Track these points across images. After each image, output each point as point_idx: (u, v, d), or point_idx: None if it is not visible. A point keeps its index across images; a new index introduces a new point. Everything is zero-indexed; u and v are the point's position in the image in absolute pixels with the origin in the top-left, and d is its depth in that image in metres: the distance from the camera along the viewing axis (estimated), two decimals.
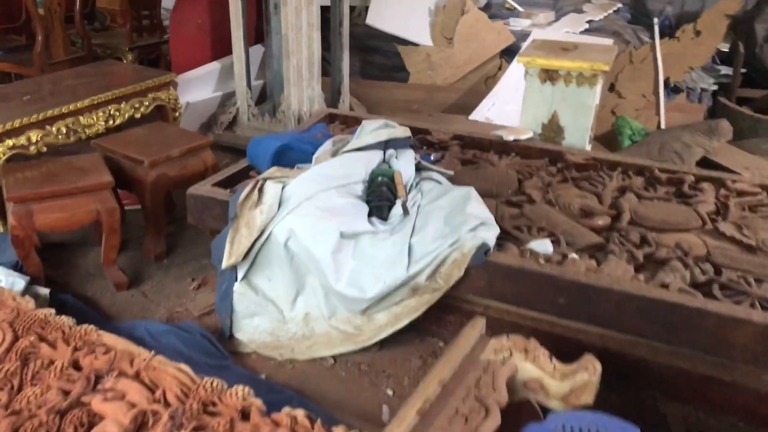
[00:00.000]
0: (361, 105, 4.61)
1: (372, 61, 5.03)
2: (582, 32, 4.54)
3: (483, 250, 2.09)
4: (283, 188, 2.27)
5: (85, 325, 2.00)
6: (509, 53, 4.58)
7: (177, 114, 3.60)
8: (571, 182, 2.69)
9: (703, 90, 4.55)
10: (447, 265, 2.11)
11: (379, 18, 4.88)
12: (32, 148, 2.81)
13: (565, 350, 1.75)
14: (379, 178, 2.38)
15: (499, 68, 4.63)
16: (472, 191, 2.31)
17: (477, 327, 1.68)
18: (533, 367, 1.65)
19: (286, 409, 1.58)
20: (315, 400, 2.10)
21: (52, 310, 2.08)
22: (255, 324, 2.35)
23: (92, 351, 1.90)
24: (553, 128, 3.08)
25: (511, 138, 2.99)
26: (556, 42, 3.28)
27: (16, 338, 1.95)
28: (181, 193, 2.69)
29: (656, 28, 4.57)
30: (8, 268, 2.47)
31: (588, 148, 3.10)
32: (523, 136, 3.01)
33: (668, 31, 4.65)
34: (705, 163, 3.47)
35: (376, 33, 4.89)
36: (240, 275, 2.28)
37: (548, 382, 1.65)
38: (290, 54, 3.85)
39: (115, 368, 1.83)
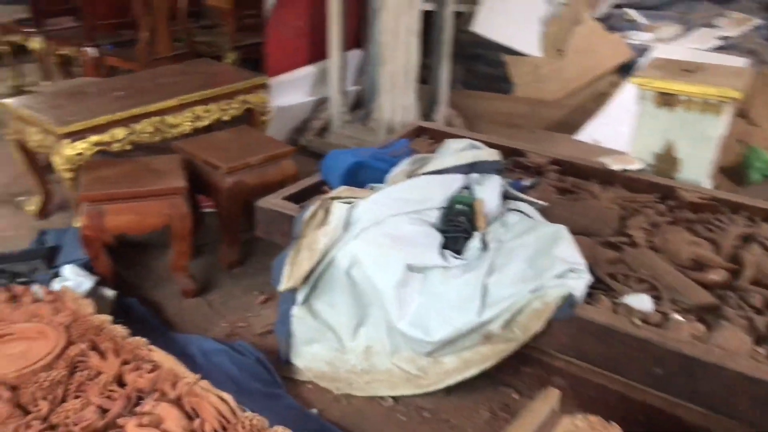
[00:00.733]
0: (459, 116, 4.37)
1: (475, 70, 4.77)
2: (712, 49, 4.07)
3: (569, 301, 1.82)
4: (350, 210, 2.10)
5: (137, 338, 1.94)
6: (626, 69, 4.20)
7: (265, 118, 3.52)
8: (684, 225, 2.33)
9: None
10: (526, 314, 1.85)
11: (486, 25, 4.63)
12: (116, 146, 2.81)
13: (660, 427, 1.46)
14: (458, 206, 2.15)
15: (614, 85, 4.24)
16: (563, 230, 2.03)
17: (549, 401, 1.43)
18: None
19: None
20: None
21: (109, 318, 2.03)
22: (313, 351, 2.20)
23: (139, 367, 1.82)
24: (667, 160, 2.71)
25: (617, 167, 2.66)
26: (679, 62, 2.89)
27: (68, 344, 1.91)
28: None
29: None
30: (79, 266, 2.45)
31: (707, 185, 2.70)
32: (632, 167, 2.67)
33: None
34: None
35: (482, 41, 4.64)
36: (300, 299, 2.13)
37: None
38: (386, 60, 3.69)
39: (158, 389, 1.74)
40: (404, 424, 2.06)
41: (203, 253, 2.91)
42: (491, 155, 2.36)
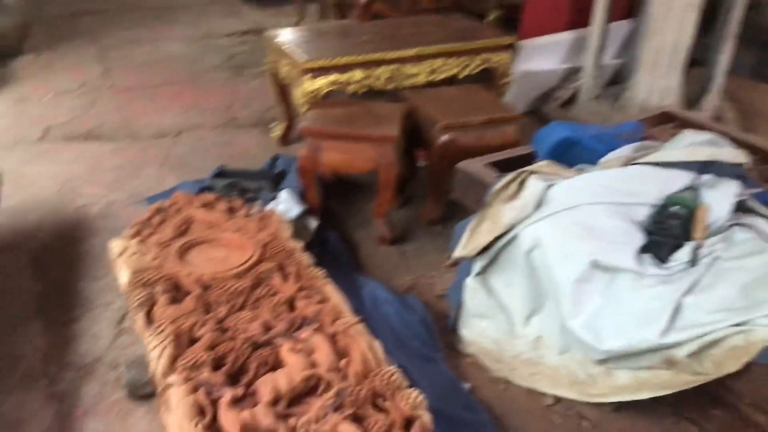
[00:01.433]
0: (733, 110, 3.75)
1: None
2: None
3: None
4: (547, 188, 1.92)
5: (317, 270, 2.03)
6: None
7: (506, 80, 3.39)
8: None
9: None
10: (722, 349, 1.54)
11: None
12: (352, 87, 2.93)
13: None
14: (673, 208, 1.84)
15: None
16: None
17: None
18: None
19: None
20: None
21: (300, 245, 2.16)
22: (482, 326, 2.11)
23: (309, 296, 1.91)
24: None
25: None
26: None
27: (260, 260, 2.07)
28: None
29: None
30: (294, 194, 2.64)
31: None
32: None
33: None
34: None
35: None
36: (476, 270, 2.04)
37: None
38: (652, 33, 3.29)
39: (319, 321, 1.81)
40: (558, 427, 1.88)
41: (409, 205, 2.95)
42: (735, 156, 1.96)
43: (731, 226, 1.85)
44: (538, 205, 1.91)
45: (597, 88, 3.75)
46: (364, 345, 1.72)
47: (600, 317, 1.72)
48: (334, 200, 2.86)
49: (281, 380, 1.58)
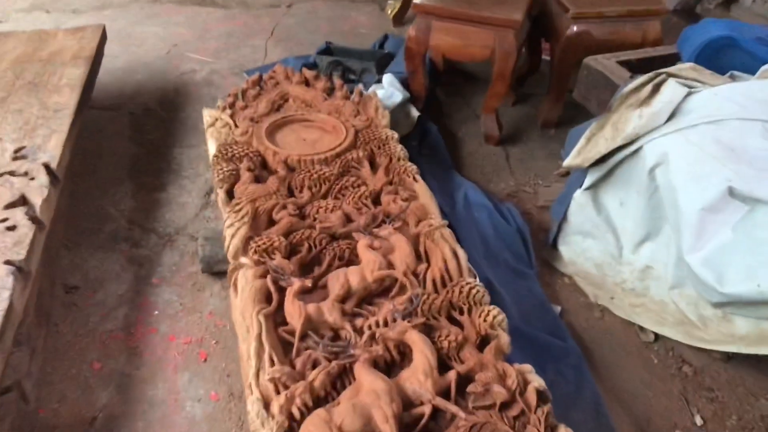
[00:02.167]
0: None
1: None
2: None
3: None
4: (687, 95, 1.60)
5: (410, 164, 1.87)
6: None
7: None
8: None
9: None
10: None
11: None
12: None
13: None
14: None
15: None
16: None
17: None
18: None
19: (526, 368, 1.20)
20: (597, 372, 1.63)
21: (395, 134, 2.00)
22: (585, 246, 1.89)
23: (396, 192, 1.77)
24: None
25: None
26: None
27: (351, 147, 1.94)
28: None
29: None
30: (398, 79, 2.45)
31: None
32: None
33: None
34: None
35: None
36: (587, 183, 1.79)
37: None
38: None
39: (403, 219, 1.67)
40: (653, 367, 1.68)
41: (524, 102, 2.67)
42: None
43: None
44: (673, 114, 1.60)
45: None
46: (447, 251, 1.57)
47: (727, 254, 1.45)
48: (440, 89, 2.63)
49: (354, 277, 1.48)
